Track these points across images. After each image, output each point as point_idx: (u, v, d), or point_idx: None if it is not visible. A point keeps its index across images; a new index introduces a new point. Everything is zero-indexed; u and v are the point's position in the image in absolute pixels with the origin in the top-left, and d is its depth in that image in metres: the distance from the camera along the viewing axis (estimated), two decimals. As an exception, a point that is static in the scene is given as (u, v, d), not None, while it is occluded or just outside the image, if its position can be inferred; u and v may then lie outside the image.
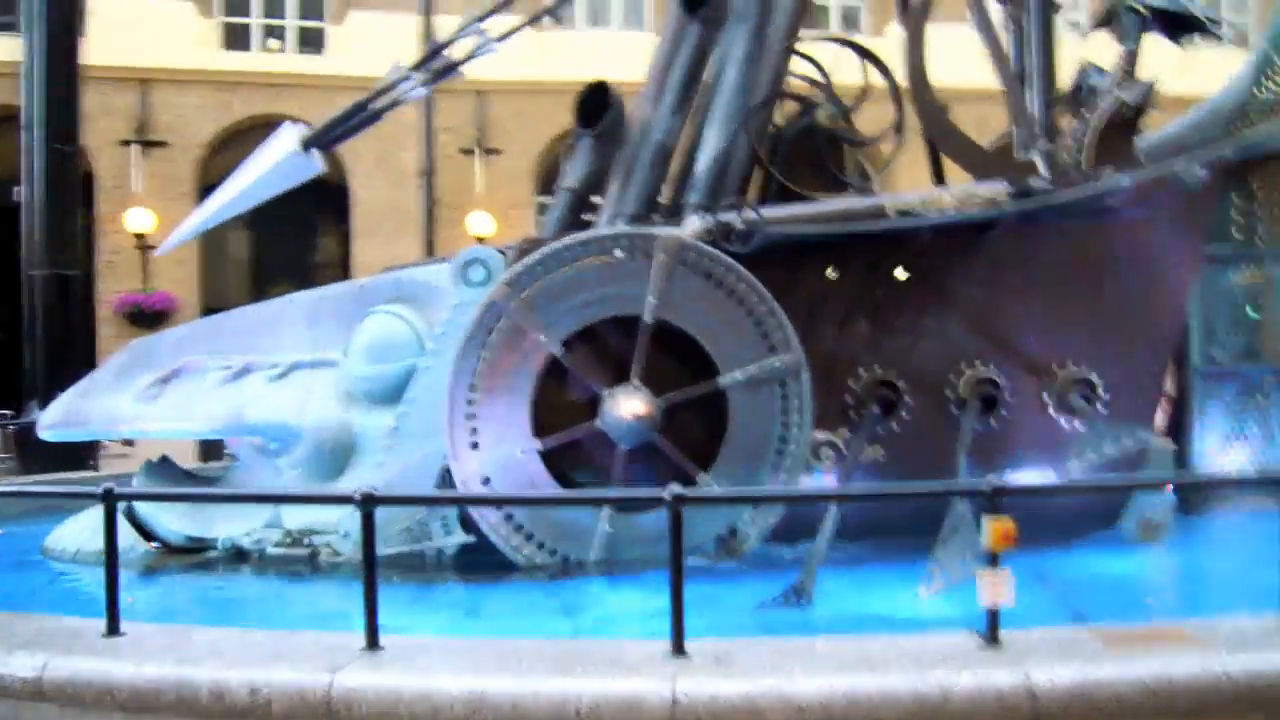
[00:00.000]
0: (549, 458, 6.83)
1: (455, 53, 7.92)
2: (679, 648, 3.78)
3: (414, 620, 5.55)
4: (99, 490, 4.52)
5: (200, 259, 19.78)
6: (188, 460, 9.48)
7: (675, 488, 3.99)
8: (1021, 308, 7.49)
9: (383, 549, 7.07)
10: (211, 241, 19.75)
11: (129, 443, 13.56)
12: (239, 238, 21.27)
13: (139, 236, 18.36)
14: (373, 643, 3.95)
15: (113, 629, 4.22)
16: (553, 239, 7.11)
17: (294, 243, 21.04)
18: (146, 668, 3.73)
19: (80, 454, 12.49)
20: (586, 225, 7.87)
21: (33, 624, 4.38)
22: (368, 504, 3.91)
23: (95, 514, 7.39)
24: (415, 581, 6.72)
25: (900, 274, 7.42)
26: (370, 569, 3.95)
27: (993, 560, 3.98)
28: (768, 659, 3.71)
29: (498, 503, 6.38)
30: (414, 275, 7.81)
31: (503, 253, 7.19)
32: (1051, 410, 7.46)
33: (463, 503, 6.62)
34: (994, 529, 3.93)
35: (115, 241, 18.77)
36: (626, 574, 6.63)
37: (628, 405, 6.73)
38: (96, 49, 16.10)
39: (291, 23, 21.65)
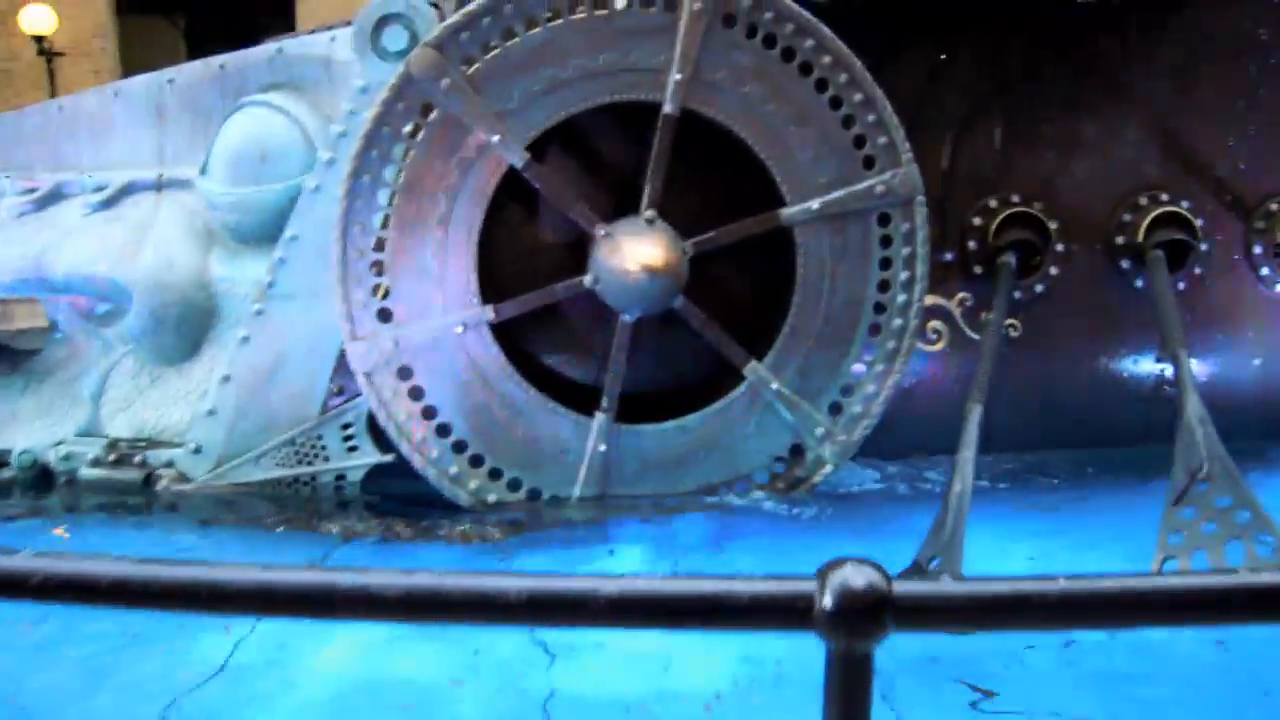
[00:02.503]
0: (506, 334, 4.29)
1: None
2: None
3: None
4: None
5: (118, 56, 16.36)
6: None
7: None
8: (1227, 111, 5.00)
9: (257, 473, 4.68)
10: (130, 33, 16.40)
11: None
12: (161, 24, 17.80)
13: (38, 40, 15.21)
14: None
15: None
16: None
17: (228, 15, 17.23)
18: None
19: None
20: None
21: None
22: None
23: None
24: (298, 531, 4.25)
25: (1048, 54, 4.87)
26: None
27: None
28: None
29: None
30: (304, 46, 5.06)
31: (436, 4, 4.47)
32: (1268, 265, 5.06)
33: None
34: None
35: (11, 46, 15.62)
36: (636, 520, 4.19)
37: (635, 251, 4.13)
38: None
39: None
